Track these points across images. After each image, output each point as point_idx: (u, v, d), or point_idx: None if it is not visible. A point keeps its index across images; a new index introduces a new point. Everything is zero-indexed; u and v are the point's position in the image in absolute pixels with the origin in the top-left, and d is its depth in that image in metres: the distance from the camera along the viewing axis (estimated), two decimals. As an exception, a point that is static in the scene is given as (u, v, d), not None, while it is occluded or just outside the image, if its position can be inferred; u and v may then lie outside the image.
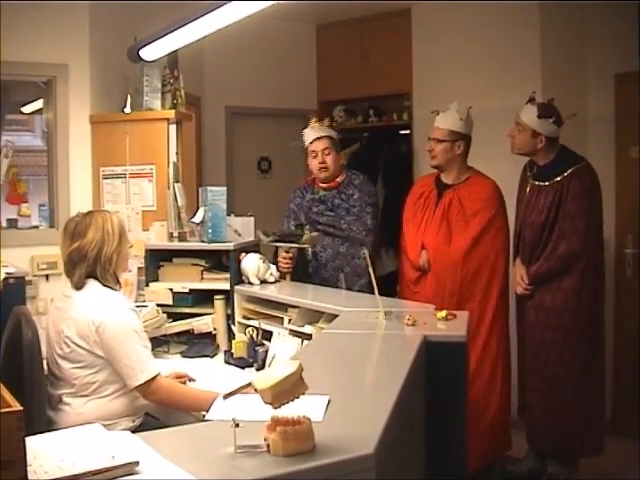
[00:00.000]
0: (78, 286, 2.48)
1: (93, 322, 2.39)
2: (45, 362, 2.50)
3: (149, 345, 2.52)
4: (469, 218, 3.49)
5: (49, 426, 2.37)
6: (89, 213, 2.59)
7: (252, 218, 3.74)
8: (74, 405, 2.42)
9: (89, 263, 2.48)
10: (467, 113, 3.56)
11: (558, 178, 3.40)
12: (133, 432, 1.55)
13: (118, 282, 2.60)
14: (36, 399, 2.28)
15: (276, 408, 1.36)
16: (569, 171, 3.38)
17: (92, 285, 2.49)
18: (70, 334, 2.42)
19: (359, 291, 3.44)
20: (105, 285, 2.51)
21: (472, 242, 3.45)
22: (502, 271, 3.50)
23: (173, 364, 3.06)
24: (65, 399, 2.44)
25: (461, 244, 3.46)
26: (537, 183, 3.50)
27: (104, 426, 2.29)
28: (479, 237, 3.46)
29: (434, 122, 3.61)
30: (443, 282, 3.47)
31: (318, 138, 3.66)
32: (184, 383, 2.77)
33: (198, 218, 3.59)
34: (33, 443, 1.29)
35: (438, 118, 3.59)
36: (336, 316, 2.78)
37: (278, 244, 3.59)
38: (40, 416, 2.29)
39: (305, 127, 3.78)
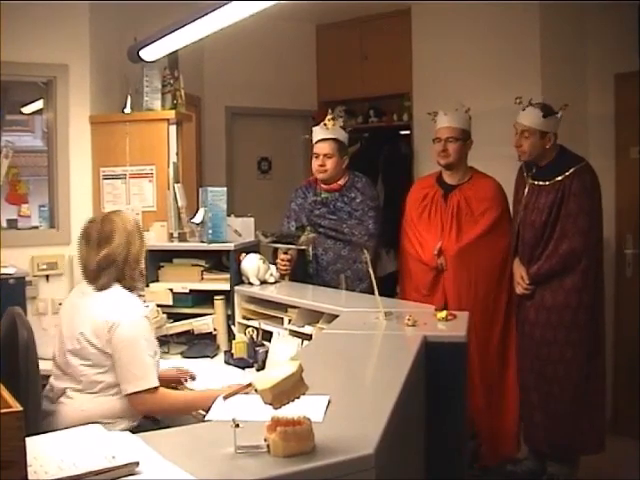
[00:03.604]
0: (104, 289, 2.49)
1: (107, 322, 2.40)
2: (52, 354, 2.52)
3: (157, 355, 2.52)
4: (478, 217, 3.54)
5: (47, 417, 2.39)
6: (106, 217, 2.58)
7: (252, 219, 3.74)
8: (78, 400, 2.42)
9: (118, 267, 2.49)
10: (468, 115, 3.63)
11: (559, 177, 3.40)
12: (132, 432, 1.55)
13: (144, 278, 2.63)
14: (32, 399, 2.28)
15: (276, 408, 1.36)
16: (571, 170, 3.39)
17: (113, 287, 2.50)
18: (84, 330, 2.42)
19: (360, 294, 3.44)
20: (128, 287, 2.52)
21: (480, 234, 3.50)
22: (510, 266, 3.55)
23: (173, 365, 3.06)
24: (70, 393, 2.44)
25: (470, 236, 3.50)
26: (537, 183, 3.50)
27: (103, 424, 2.31)
28: (487, 232, 3.51)
29: (439, 123, 3.61)
30: (459, 281, 3.48)
31: (323, 139, 3.63)
32: (185, 380, 2.78)
33: (198, 218, 3.59)
34: (33, 443, 1.29)
35: (447, 118, 3.59)
36: (336, 316, 2.78)
37: (276, 245, 3.59)
38: (35, 416, 2.29)
39: (316, 124, 3.76)
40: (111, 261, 2.48)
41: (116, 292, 2.49)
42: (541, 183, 3.48)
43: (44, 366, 2.93)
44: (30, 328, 2.35)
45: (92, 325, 2.42)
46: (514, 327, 3.56)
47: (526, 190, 3.54)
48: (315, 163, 3.65)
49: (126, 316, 2.42)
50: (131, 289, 2.54)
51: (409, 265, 3.68)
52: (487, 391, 3.46)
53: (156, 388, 2.42)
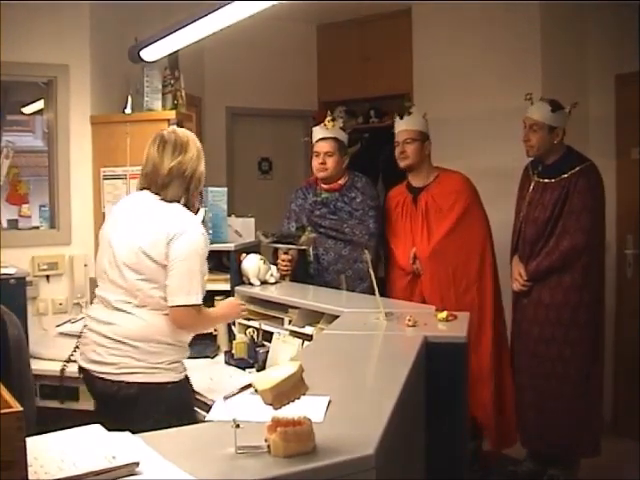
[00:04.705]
0: (171, 201, 2.47)
1: (168, 234, 2.38)
2: (98, 267, 2.52)
3: (206, 271, 2.53)
4: (446, 213, 3.54)
5: (102, 326, 2.41)
6: (180, 130, 2.60)
7: (252, 219, 3.74)
8: (140, 314, 2.41)
9: (186, 180, 2.49)
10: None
11: (565, 175, 3.43)
12: (132, 433, 1.54)
13: (202, 202, 2.60)
14: (26, 398, 2.26)
15: (277, 409, 1.36)
16: (577, 168, 3.42)
17: (174, 203, 2.49)
18: (143, 244, 2.39)
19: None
20: (186, 206, 2.50)
21: (450, 228, 3.50)
22: (490, 258, 3.55)
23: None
24: (127, 308, 2.41)
25: (440, 233, 3.51)
26: (543, 180, 3.51)
27: (163, 343, 2.35)
28: (457, 225, 3.51)
29: (396, 127, 3.68)
30: (437, 280, 3.49)
31: (323, 139, 3.64)
32: None
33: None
34: (33, 443, 1.29)
35: (403, 122, 3.65)
36: (337, 317, 2.78)
37: (276, 245, 3.59)
38: (29, 414, 2.27)
39: (315, 125, 3.77)
40: (182, 171, 2.48)
41: (177, 207, 2.47)
42: (547, 180, 3.49)
43: (44, 366, 2.94)
44: (20, 326, 2.33)
45: (151, 238, 2.39)
46: (503, 313, 3.57)
47: (531, 187, 3.56)
48: (316, 162, 3.66)
49: (187, 229, 2.40)
50: (188, 208, 2.51)
51: (390, 271, 3.70)
52: (480, 387, 3.44)
53: (200, 306, 2.44)
